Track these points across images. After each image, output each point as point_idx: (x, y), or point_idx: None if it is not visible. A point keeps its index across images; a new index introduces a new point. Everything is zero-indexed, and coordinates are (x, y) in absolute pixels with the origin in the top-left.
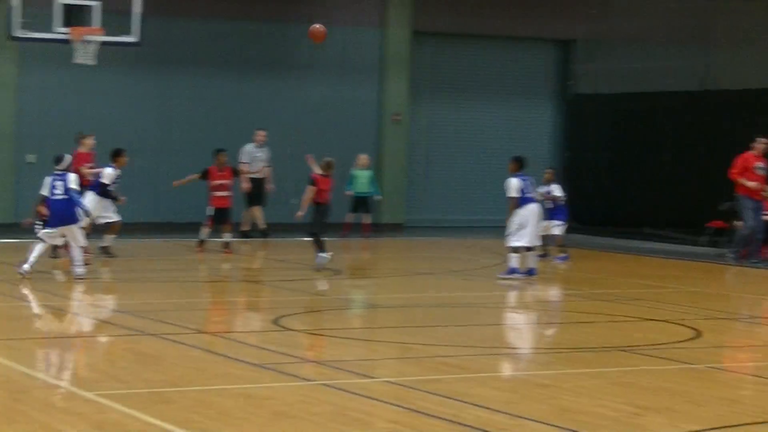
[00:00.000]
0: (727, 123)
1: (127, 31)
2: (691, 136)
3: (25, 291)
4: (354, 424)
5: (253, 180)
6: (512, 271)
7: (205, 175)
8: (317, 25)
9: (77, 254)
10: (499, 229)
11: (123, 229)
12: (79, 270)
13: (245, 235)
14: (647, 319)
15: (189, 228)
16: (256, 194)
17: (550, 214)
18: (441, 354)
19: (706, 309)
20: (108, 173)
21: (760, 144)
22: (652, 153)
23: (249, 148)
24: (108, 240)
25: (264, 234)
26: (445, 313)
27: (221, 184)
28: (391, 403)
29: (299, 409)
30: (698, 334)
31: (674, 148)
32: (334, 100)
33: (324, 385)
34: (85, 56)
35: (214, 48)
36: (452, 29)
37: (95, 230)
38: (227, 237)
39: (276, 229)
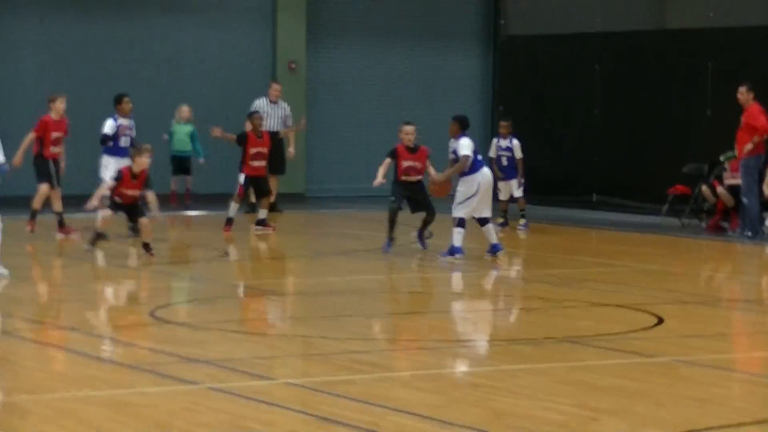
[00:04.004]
0: (690, 68)
1: None
2: (647, 84)
3: None
4: None
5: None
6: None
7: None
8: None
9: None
10: None
11: None
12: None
13: None
14: (599, 304)
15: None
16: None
17: (508, 173)
18: (353, 349)
19: (669, 291)
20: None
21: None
22: (602, 105)
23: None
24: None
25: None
26: (355, 300)
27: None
28: (295, 410)
29: (184, 418)
30: (660, 321)
31: (628, 99)
32: (219, 47)
33: (213, 389)
34: None
35: None
36: None
37: None
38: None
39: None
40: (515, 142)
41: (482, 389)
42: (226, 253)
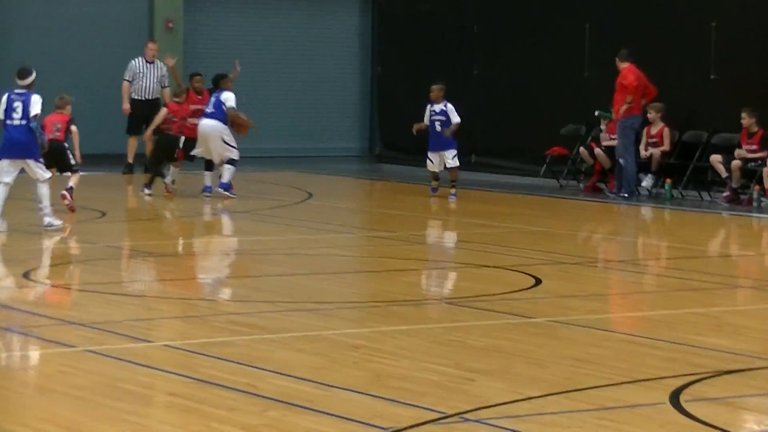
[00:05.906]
0: (568, 29)
1: None
2: (525, 44)
3: None
4: (128, 398)
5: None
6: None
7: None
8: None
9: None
10: (291, 160)
11: None
12: (47, 219)
13: None
14: (477, 266)
15: None
16: None
17: (443, 142)
18: (231, 311)
19: (547, 252)
20: None
21: None
22: (481, 66)
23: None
24: None
25: None
26: (235, 261)
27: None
28: (174, 372)
29: (60, 381)
30: (538, 281)
31: (507, 59)
32: (95, 6)
33: (89, 351)
34: None
35: None
36: None
37: None
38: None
39: None
40: (450, 106)
41: (361, 351)
42: (104, 214)
